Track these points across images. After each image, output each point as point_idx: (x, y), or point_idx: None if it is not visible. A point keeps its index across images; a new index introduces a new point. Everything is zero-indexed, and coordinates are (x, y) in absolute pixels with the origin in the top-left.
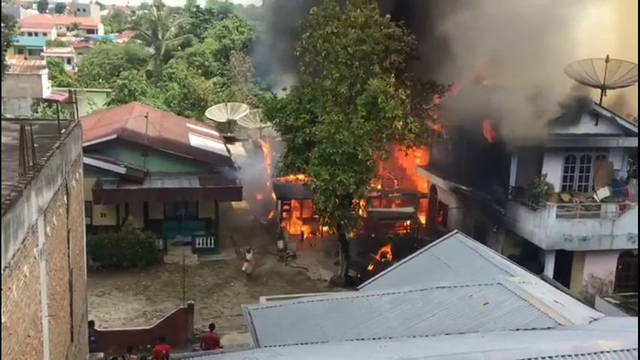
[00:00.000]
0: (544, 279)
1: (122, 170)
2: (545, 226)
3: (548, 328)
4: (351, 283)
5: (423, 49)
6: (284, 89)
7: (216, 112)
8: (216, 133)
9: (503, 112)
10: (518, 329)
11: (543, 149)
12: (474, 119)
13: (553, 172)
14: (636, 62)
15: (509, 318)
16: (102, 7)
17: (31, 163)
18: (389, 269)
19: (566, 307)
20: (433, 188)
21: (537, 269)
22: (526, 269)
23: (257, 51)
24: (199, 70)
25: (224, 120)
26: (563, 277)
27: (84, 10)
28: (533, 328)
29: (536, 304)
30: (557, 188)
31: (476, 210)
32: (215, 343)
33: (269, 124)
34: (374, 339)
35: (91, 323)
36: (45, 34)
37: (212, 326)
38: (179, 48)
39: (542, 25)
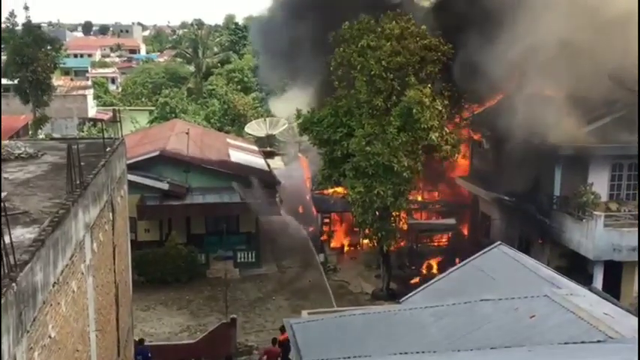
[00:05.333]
0: (593, 291)
1: (165, 186)
2: (592, 237)
3: (598, 341)
4: (393, 296)
5: (461, 58)
6: (321, 105)
7: (256, 127)
8: (256, 148)
9: (546, 120)
10: (566, 343)
11: (589, 158)
12: (515, 128)
13: (599, 181)
14: None
15: (557, 331)
16: (144, 27)
17: (78, 181)
18: (431, 282)
19: (616, 320)
20: (475, 199)
21: (585, 281)
22: (574, 281)
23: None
24: (238, 86)
25: (263, 135)
26: (613, 289)
27: (126, 31)
28: (583, 342)
29: (585, 317)
30: (604, 197)
31: (519, 221)
32: (277, 356)
33: (306, 137)
34: (417, 353)
35: (141, 341)
36: (90, 55)
37: (274, 340)
38: (218, 65)
39: (589, 26)
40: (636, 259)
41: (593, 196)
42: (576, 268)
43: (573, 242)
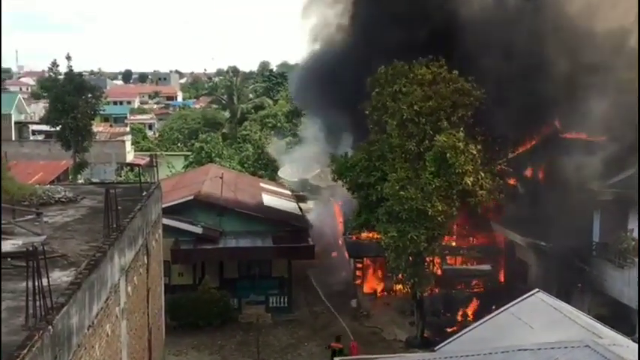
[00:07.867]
0: (637, 341)
1: (199, 230)
2: (634, 284)
3: None
4: (428, 344)
5: (495, 102)
6: (354, 148)
7: (289, 172)
8: (289, 192)
9: (585, 165)
10: None
11: (629, 203)
12: (553, 173)
13: None
14: None
15: None
16: (181, 75)
17: (114, 225)
18: (466, 330)
19: None
20: (510, 244)
21: (629, 331)
22: (616, 330)
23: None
24: (272, 132)
25: (296, 179)
26: None
27: (164, 78)
28: None
29: None
30: None
31: (558, 267)
32: None
33: (340, 182)
34: None
35: None
36: (129, 102)
37: None
38: (253, 111)
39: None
40: None
41: (634, 243)
42: (619, 317)
43: (615, 290)
